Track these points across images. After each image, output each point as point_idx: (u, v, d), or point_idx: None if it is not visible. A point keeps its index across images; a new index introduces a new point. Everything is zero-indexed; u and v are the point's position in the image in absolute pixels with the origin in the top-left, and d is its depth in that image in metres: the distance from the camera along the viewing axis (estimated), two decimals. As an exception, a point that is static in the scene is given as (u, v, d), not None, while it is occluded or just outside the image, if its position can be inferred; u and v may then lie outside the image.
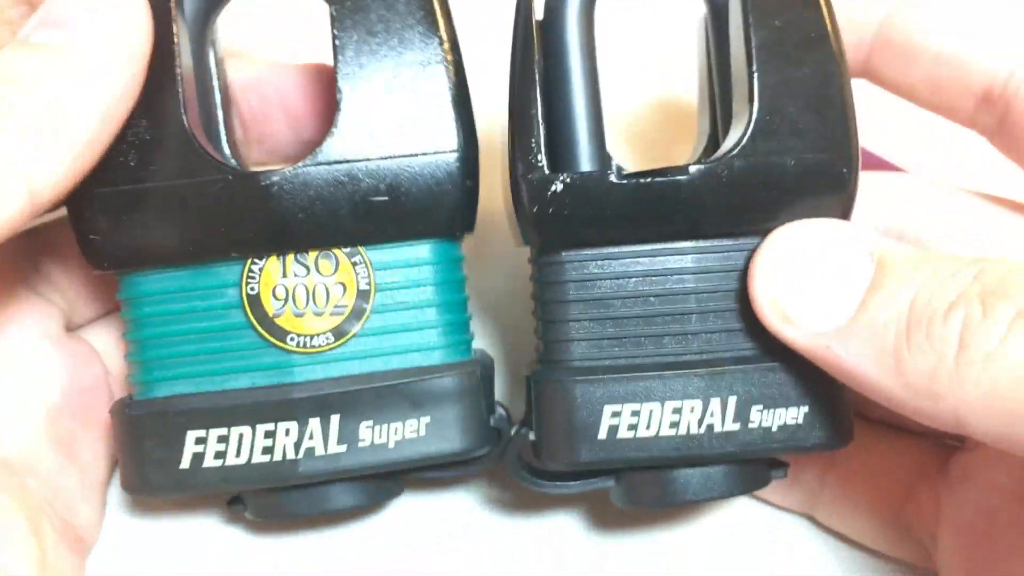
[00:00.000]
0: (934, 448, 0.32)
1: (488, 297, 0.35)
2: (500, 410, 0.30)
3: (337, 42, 0.27)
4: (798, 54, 0.27)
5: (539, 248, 0.29)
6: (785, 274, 0.27)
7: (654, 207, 0.27)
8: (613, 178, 0.27)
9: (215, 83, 0.31)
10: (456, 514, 0.33)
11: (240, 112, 0.32)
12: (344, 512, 0.32)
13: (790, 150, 0.27)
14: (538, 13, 0.29)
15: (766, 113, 0.27)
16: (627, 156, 0.38)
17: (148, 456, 0.28)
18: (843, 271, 0.26)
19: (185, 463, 0.28)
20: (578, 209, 0.27)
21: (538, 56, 0.28)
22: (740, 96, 0.28)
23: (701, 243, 0.28)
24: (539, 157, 0.27)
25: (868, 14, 0.30)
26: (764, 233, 0.27)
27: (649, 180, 0.27)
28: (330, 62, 0.31)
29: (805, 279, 0.26)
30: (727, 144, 0.28)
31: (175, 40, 0.27)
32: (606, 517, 0.33)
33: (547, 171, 0.27)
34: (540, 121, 0.27)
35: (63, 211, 0.31)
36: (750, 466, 0.29)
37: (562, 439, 0.28)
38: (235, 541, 0.32)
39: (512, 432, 0.29)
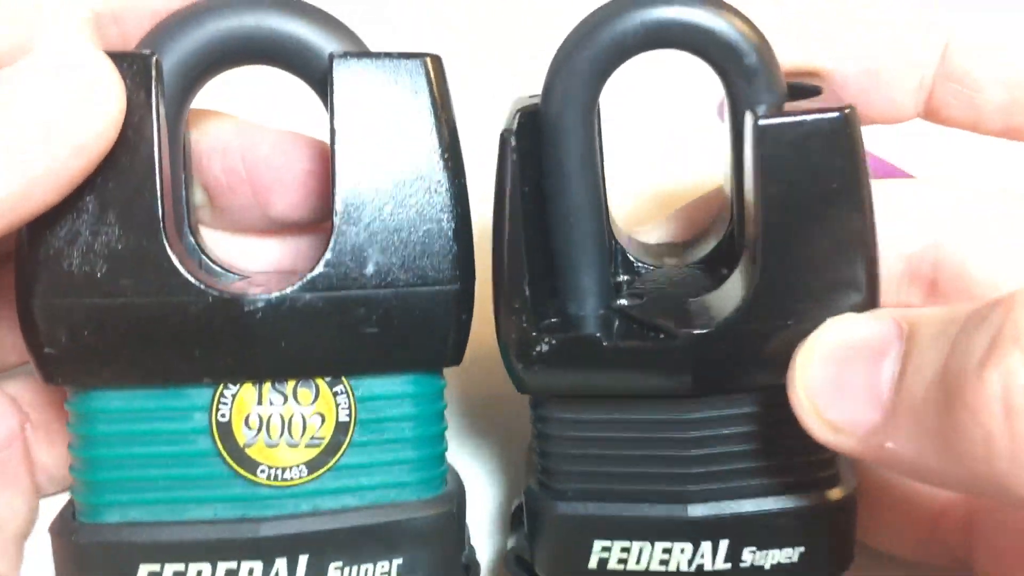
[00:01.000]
0: None
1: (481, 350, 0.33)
2: (470, 541, 0.29)
3: (337, 158, 0.25)
4: (815, 209, 0.25)
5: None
6: (819, 387, 0.23)
7: (646, 370, 0.26)
8: (604, 342, 0.26)
9: (181, 149, 0.28)
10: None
11: (202, 178, 0.29)
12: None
13: (796, 314, 0.25)
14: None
15: (770, 277, 0.25)
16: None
17: (94, 587, 0.26)
18: (876, 356, 0.23)
19: (135, 597, 0.26)
20: (565, 370, 0.26)
21: (527, 186, 0.26)
22: (750, 233, 0.26)
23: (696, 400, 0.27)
24: (523, 317, 0.26)
25: (926, 52, 0.28)
26: (765, 389, 0.26)
27: (641, 344, 0.26)
28: (309, 133, 0.29)
29: (839, 382, 0.23)
30: (728, 300, 0.26)
31: (157, 142, 0.24)
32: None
33: (533, 332, 0.26)
34: (526, 286, 0.26)
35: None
36: None
37: (553, 562, 0.28)
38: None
39: (508, 545, 0.30)
